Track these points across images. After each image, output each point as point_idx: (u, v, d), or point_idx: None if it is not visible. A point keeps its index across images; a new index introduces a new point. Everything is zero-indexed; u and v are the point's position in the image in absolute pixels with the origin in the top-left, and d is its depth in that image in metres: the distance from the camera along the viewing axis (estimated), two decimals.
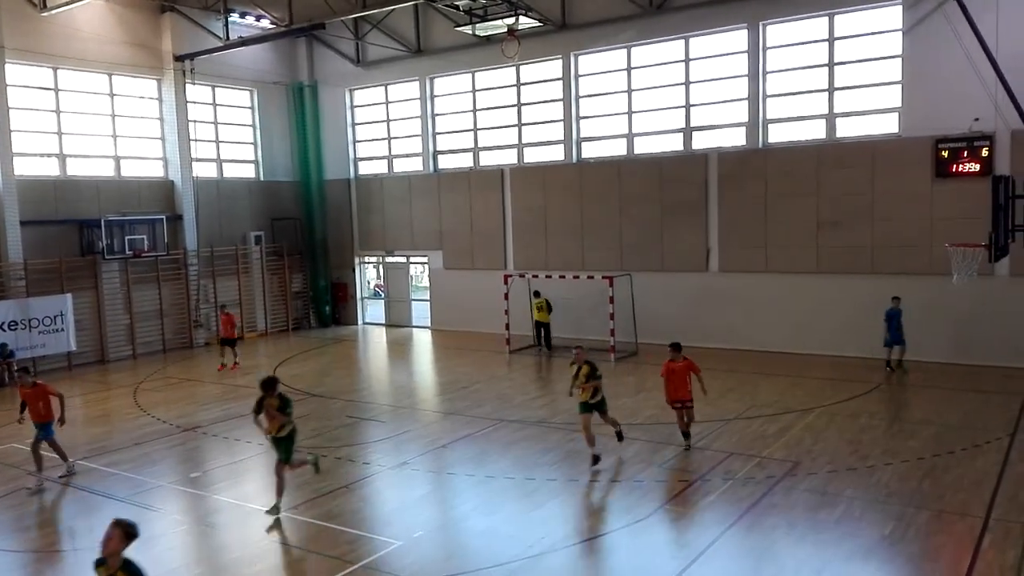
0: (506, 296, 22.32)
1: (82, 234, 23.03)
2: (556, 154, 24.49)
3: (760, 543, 9.40)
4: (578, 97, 23.96)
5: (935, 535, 9.46)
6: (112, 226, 22.95)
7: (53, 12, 21.95)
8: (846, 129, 20.04)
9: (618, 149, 23.42)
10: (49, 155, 22.86)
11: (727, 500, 10.63)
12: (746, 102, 21.11)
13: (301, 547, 9.77)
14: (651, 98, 22.79)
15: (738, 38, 21.11)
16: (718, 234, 21.73)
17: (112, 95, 24.22)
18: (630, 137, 23.16)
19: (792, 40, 20.56)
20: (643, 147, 23.04)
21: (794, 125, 20.76)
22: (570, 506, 11.06)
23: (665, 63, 22.41)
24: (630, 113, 23.10)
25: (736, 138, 21.49)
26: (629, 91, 23.04)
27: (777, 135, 20.99)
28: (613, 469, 12.07)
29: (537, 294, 22.28)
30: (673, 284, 22.31)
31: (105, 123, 24.11)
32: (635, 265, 22.57)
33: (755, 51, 20.83)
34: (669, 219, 22.40)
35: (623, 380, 18.49)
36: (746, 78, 21.03)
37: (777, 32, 20.74)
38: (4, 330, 20.72)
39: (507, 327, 22.30)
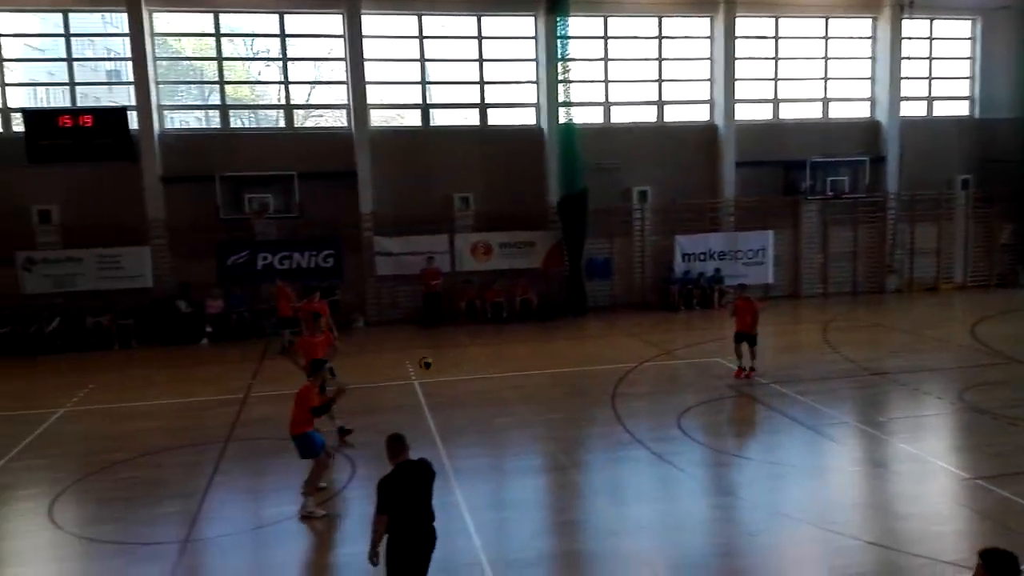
0: None
1: (786, 175, 24.42)
2: None
3: None
4: None
5: None
6: (815, 167, 23.80)
7: None
8: None
9: None
10: (764, 100, 24.67)
11: None
12: None
13: (994, 519, 8.87)
14: None
15: None
16: None
17: (826, 38, 24.76)
18: None
19: None
20: None
21: None
22: None
23: None
24: None
25: None
26: None
27: None
28: None
29: None
30: None
31: (816, 66, 24.86)
32: None
33: None
34: None
35: None
36: None
37: None
38: (716, 259, 23.57)
39: None
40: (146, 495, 10.24)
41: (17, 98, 21.08)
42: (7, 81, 20.67)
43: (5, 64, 20.62)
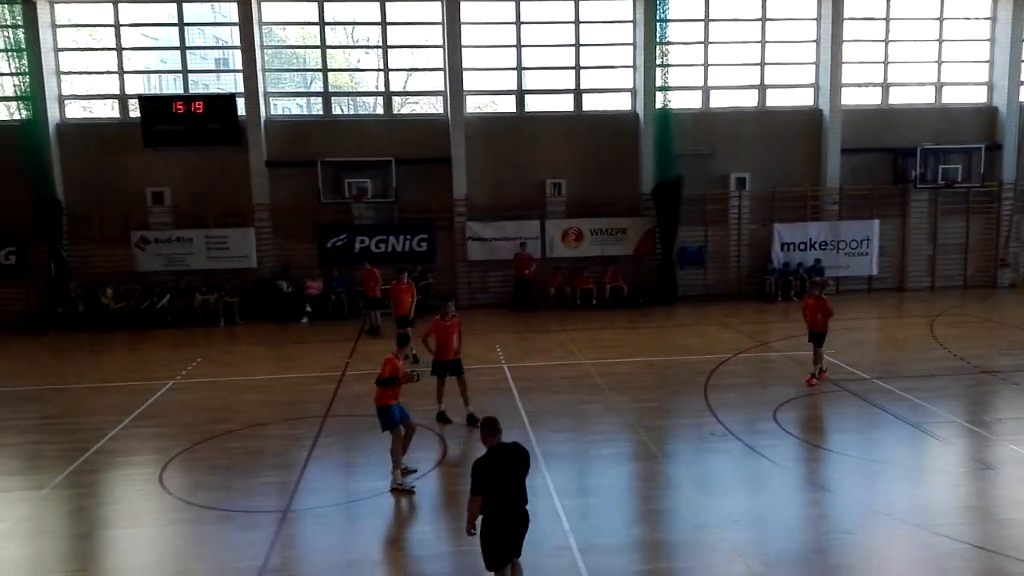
0: None
1: (896, 162, 23.38)
2: None
3: None
4: None
5: None
6: (927, 155, 22.72)
7: None
8: None
9: None
10: (873, 84, 23.65)
11: None
12: None
13: None
14: None
15: None
16: None
17: (941, 19, 23.50)
18: None
19: None
20: None
21: None
22: None
23: None
24: None
25: None
26: None
27: None
28: None
29: None
30: None
31: (930, 49, 23.65)
32: None
33: None
34: None
35: None
36: None
37: None
38: (816, 248, 22.83)
39: None
40: (249, 465, 10.71)
41: (134, 85, 22.18)
42: (126, 69, 21.80)
43: (124, 52, 21.73)
